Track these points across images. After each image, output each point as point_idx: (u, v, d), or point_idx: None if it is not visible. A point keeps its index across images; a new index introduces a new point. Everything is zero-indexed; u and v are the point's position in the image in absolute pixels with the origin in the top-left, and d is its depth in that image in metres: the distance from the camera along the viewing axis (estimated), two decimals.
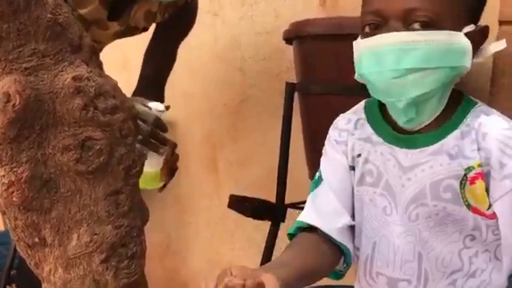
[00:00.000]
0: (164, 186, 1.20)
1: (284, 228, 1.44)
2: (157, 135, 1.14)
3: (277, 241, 1.40)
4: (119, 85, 0.86)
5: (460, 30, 0.75)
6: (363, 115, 0.89)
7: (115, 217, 0.81)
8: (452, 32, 0.74)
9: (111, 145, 0.80)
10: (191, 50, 2.03)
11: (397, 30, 0.74)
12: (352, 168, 0.88)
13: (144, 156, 0.87)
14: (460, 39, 0.74)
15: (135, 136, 0.87)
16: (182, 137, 2.13)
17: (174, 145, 1.18)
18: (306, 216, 0.88)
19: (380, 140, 0.85)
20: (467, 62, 0.76)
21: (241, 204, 1.26)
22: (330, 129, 0.94)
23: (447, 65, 0.74)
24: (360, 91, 1.17)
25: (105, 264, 0.81)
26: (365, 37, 0.79)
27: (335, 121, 0.94)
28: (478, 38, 0.79)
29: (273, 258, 1.39)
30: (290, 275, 0.74)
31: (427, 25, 0.74)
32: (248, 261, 1.58)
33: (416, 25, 0.74)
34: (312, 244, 0.85)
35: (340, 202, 0.87)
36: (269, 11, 1.80)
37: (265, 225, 1.46)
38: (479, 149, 0.77)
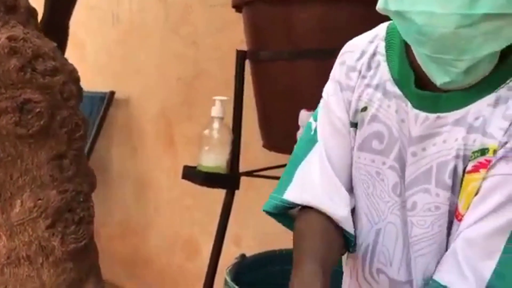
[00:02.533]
0: None
1: (240, 196, 1.45)
2: None
3: (233, 208, 1.40)
4: None
5: None
6: (382, 49, 0.65)
7: (59, 181, 0.79)
8: None
9: (52, 108, 0.78)
10: (143, 25, 2.00)
11: None
12: (354, 125, 0.67)
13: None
14: None
15: (78, 99, 0.84)
16: (137, 113, 2.10)
17: None
18: (304, 195, 0.68)
19: (397, 91, 0.62)
20: None
21: (195, 174, 1.25)
22: (338, 58, 0.70)
23: None
24: (311, 56, 1.19)
25: (51, 230, 0.79)
26: None
27: (346, 48, 0.70)
28: None
29: (228, 225, 1.40)
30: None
31: None
32: (207, 235, 1.58)
33: None
34: (325, 232, 0.65)
35: (343, 184, 0.67)
36: None
37: (223, 198, 1.45)
38: (509, 128, 0.56)
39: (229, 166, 1.27)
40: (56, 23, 1.31)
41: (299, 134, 1.14)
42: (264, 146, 1.36)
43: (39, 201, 0.78)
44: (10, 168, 0.76)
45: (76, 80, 0.83)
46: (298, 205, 0.69)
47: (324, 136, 0.69)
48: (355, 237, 0.68)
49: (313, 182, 0.67)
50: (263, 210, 0.72)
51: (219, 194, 1.45)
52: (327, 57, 1.16)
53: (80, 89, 0.85)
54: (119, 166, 2.19)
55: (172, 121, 1.99)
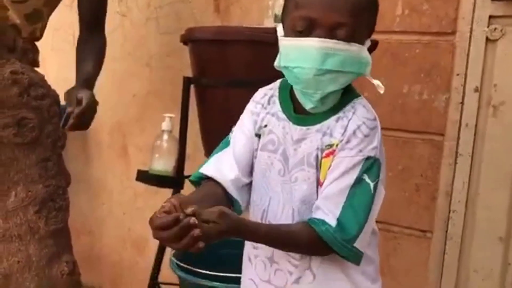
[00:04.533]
0: None
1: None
2: None
3: None
4: None
5: (364, 43, 0.90)
6: (277, 93, 1.02)
7: (45, 178, 1.05)
8: (360, 45, 0.88)
9: (41, 123, 1.04)
10: None
11: (324, 37, 0.86)
12: (258, 136, 1.01)
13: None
14: (365, 53, 0.90)
15: (59, 117, 1.11)
16: (94, 126, 2.30)
17: None
18: (208, 169, 1.00)
19: (284, 117, 0.98)
20: (368, 71, 0.92)
21: (147, 177, 1.52)
22: (251, 99, 1.07)
23: (355, 71, 0.89)
24: (241, 84, 1.47)
25: (37, 214, 1.04)
26: (294, 36, 0.90)
27: (256, 93, 1.07)
28: (371, 49, 0.94)
29: None
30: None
31: (345, 37, 0.86)
32: None
33: (338, 36, 0.86)
34: (212, 191, 0.97)
35: (237, 163, 1.00)
36: (171, 14, 2.04)
37: None
38: (344, 133, 0.91)
39: (176, 170, 1.54)
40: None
41: None
42: (205, 155, 1.64)
43: (29, 192, 1.03)
44: (8, 167, 1.01)
45: (58, 102, 1.09)
46: (207, 176, 1.00)
47: (235, 138, 1.03)
48: (242, 203, 1.00)
49: (219, 163, 1.00)
50: (189, 180, 1.04)
51: (167, 196, 1.69)
52: (253, 86, 1.46)
53: (60, 109, 1.11)
54: (74, 172, 2.34)
55: (126, 133, 2.22)
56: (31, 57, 1.09)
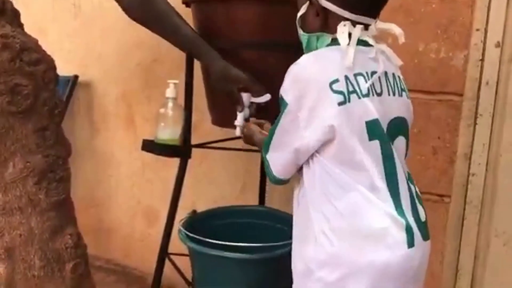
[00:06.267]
0: None
1: (195, 168, 1.66)
2: None
3: (189, 179, 1.61)
4: None
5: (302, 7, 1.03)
6: None
7: (43, 148, 1.00)
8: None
9: (36, 90, 0.99)
10: (104, 15, 2.17)
11: None
12: None
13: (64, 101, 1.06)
14: (301, 13, 1.05)
15: (55, 83, 1.05)
16: (99, 96, 2.28)
17: None
18: None
19: None
20: (301, 24, 1.05)
21: (153, 146, 1.47)
22: None
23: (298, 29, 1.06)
24: (248, 47, 1.41)
25: (37, 186, 1.00)
26: None
27: None
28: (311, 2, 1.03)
29: (184, 194, 1.62)
30: None
31: None
32: (166, 204, 1.79)
33: None
34: None
35: None
36: None
37: None
38: None
39: (182, 139, 1.49)
40: None
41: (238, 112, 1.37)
42: (212, 122, 1.59)
43: (28, 163, 0.99)
44: (4, 137, 0.97)
45: (54, 68, 1.04)
46: None
47: None
48: None
49: None
50: None
51: (177, 167, 1.65)
52: (261, 48, 1.40)
53: (57, 75, 1.06)
54: (81, 144, 2.34)
55: (132, 102, 2.17)
56: (21, 23, 1.03)
